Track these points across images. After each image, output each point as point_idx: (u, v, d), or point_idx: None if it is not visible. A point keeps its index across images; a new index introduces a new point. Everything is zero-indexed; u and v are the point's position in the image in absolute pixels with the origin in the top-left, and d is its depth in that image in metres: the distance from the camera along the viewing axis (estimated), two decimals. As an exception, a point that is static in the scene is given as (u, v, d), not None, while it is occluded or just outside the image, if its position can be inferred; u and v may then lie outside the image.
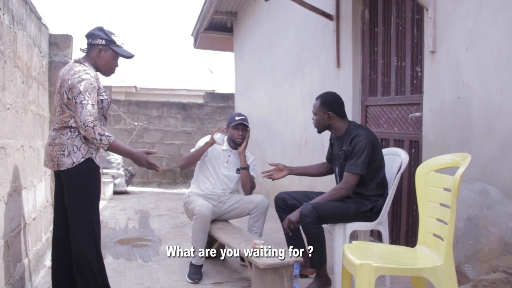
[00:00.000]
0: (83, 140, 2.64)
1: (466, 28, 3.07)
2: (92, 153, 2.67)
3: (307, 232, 3.06)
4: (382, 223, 3.23)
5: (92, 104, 2.55)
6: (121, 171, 8.47)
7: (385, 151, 3.53)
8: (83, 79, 2.57)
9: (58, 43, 4.32)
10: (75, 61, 2.75)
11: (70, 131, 2.63)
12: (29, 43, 3.31)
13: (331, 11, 4.73)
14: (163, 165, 10.32)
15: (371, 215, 3.17)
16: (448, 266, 2.27)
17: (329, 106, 3.28)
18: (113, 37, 2.79)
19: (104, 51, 2.76)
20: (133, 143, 10.08)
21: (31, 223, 3.30)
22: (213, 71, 18.15)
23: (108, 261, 3.91)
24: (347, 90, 4.55)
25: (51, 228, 4.19)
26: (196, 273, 3.43)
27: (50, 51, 4.28)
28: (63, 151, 2.62)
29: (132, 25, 36.77)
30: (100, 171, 2.78)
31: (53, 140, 2.67)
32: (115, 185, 8.04)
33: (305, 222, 3.01)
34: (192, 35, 9.06)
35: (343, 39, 4.62)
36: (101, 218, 5.97)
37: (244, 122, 3.76)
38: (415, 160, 3.68)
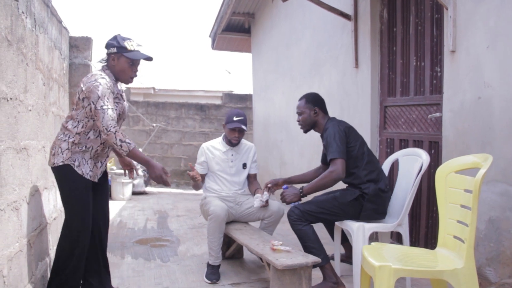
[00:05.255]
0: (70, 146, 2.68)
1: (487, 27, 3.03)
2: (74, 162, 2.68)
3: (295, 230, 3.26)
4: (402, 224, 3.20)
5: (112, 109, 2.61)
6: (140, 172, 8.55)
7: (405, 151, 3.51)
8: (100, 84, 2.63)
9: (78, 45, 4.38)
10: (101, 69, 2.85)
11: (64, 133, 2.72)
12: (50, 46, 3.37)
13: (349, 11, 4.70)
14: (181, 166, 10.39)
15: (364, 202, 3.21)
16: (469, 269, 2.24)
17: (314, 103, 3.46)
18: (125, 43, 2.79)
19: (117, 59, 2.80)
20: (151, 144, 10.16)
21: (52, 223, 3.35)
22: (231, 72, 18.21)
23: (127, 261, 3.95)
24: (366, 90, 4.52)
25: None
26: (214, 273, 3.44)
27: (70, 53, 4.34)
28: (53, 149, 2.73)
29: (151, 27, 37.11)
30: (93, 180, 2.77)
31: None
32: (134, 185, 8.12)
33: (290, 221, 3.25)
34: (209, 36, 9.11)
35: (361, 39, 4.59)
36: (120, 218, 6.05)
37: (242, 127, 3.65)
38: (435, 161, 3.63)
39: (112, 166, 8.83)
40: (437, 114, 3.59)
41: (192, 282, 3.43)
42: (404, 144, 4.10)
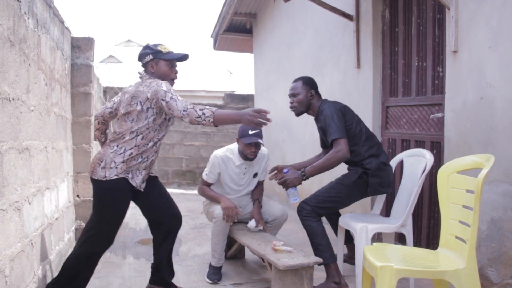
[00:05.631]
0: (126, 159, 2.67)
1: (489, 27, 3.02)
2: (128, 174, 2.71)
3: (304, 226, 3.22)
4: (405, 225, 3.19)
5: (181, 97, 2.63)
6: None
7: (409, 152, 3.51)
8: (162, 82, 2.67)
9: (80, 46, 4.39)
10: (141, 78, 2.85)
11: (117, 146, 2.69)
12: (52, 46, 3.37)
13: (351, 11, 4.70)
14: (182, 166, 10.38)
15: (368, 178, 3.22)
16: (471, 269, 2.23)
17: (311, 85, 3.45)
18: (159, 48, 2.83)
19: (155, 64, 2.82)
20: (153, 144, 10.17)
21: (54, 223, 3.35)
22: (233, 72, 18.21)
23: (129, 261, 3.95)
24: (367, 91, 4.52)
25: (73, 228, 4.27)
26: (215, 273, 3.44)
27: (72, 54, 4.35)
28: (101, 161, 2.68)
29: (152, 27, 37.14)
30: (139, 188, 2.80)
31: (100, 150, 2.80)
32: (135, 185, 8.11)
33: (300, 216, 3.22)
34: (211, 36, 9.11)
35: (363, 39, 4.59)
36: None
37: (259, 141, 3.44)
38: (437, 161, 3.63)
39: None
40: (439, 114, 3.59)
41: (193, 282, 3.43)
42: (406, 144, 4.09)
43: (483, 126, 3.08)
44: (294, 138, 6.59)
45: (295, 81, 3.49)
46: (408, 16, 4.06)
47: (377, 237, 4.11)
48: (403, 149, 4.06)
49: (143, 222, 5.72)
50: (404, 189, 3.37)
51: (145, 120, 2.68)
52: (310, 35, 5.95)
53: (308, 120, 6.13)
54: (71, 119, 4.29)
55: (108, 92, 9.89)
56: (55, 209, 3.40)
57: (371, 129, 4.43)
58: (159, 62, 2.82)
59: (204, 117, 2.52)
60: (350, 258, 3.70)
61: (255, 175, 3.73)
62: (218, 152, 3.65)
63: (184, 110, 2.54)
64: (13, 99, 2.32)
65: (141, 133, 2.69)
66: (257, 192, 3.76)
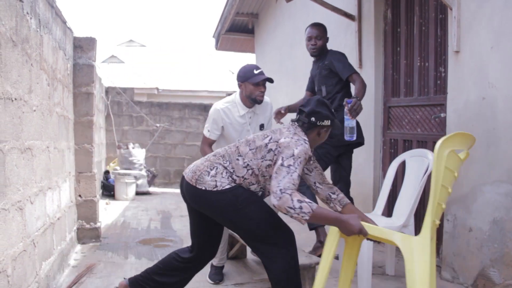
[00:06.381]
0: (233, 178, 2.38)
1: (491, 27, 3.02)
2: (241, 183, 2.40)
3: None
4: (407, 226, 3.19)
5: (299, 175, 2.23)
6: (143, 172, 8.55)
7: (412, 152, 3.51)
8: (300, 145, 2.30)
9: (82, 46, 4.39)
10: (297, 128, 2.48)
11: (229, 163, 2.41)
12: (54, 46, 3.38)
13: (353, 11, 4.70)
14: (184, 166, 10.38)
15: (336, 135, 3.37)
16: (424, 239, 2.16)
17: (327, 33, 3.81)
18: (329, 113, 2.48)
19: (326, 132, 2.51)
20: (155, 145, 10.18)
21: (56, 223, 3.36)
22: (234, 73, 18.21)
23: (131, 261, 3.95)
24: (369, 91, 4.51)
25: (75, 227, 4.27)
26: (217, 273, 3.44)
27: (74, 54, 4.35)
28: (210, 169, 2.38)
29: (154, 27, 37.19)
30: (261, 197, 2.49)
31: (210, 156, 2.48)
32: (137, 185, 8.13)
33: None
34: (213, 36, 9.11)
35: (365, 39, 4.59)
36: (123, 218, 6.06)
37: (269, 77, 3.20)
38: (439, 161, 3.62)
39: (116, 166, 8.85)
40: (441, 115, 3.59)
41: (195, 282, 3.42)
42: (407, 144, 4.09)
43: (485, 126, 3.07)
44: (296, 138, 6.58)
45: (317, 25, 3.79)
46: (410, 16, 4.06)
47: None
48: (405, 149, 4.05)
49: (144, 222, 5.73)
50: (406, 189, 3.37)
51: (260, 159, 2.36)
52: (312, 35, 5.94)
53: (310, 120, 6.12)
54: (73, 119, 4.29)
55: (110, 92, 9.91)
56: (57, 209, 3.41)
57: (373, 130, 4.44)
58: (328, 131, 2.53)
59: (298, 211, 2.12)
60: None
61: (261, 126, 3.43)
62: (218, 105, 3.31)
63: (280, 190, 2.14)
64: (15, 99, 2.33)
65: (251, 169, 2.37)
66: None
